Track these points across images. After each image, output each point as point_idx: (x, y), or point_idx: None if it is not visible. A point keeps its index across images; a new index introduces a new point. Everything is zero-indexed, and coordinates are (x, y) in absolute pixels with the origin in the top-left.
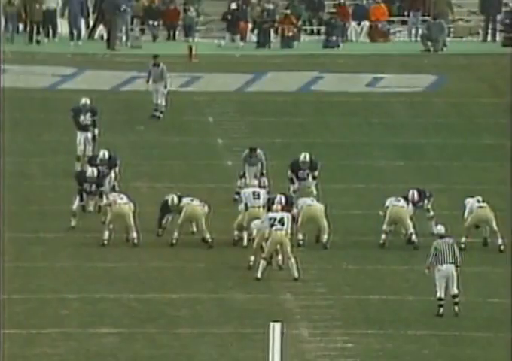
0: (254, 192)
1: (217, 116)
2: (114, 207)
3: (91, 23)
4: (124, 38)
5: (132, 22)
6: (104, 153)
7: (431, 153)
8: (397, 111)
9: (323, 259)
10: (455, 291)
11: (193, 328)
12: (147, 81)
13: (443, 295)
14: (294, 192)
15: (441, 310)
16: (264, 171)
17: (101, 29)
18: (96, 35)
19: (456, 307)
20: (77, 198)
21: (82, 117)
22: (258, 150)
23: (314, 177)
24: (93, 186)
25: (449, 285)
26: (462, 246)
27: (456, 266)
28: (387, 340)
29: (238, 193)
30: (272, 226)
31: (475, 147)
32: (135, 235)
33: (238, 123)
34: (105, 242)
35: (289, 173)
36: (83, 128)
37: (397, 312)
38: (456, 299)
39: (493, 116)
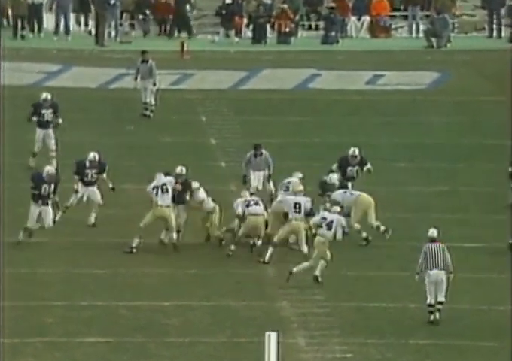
0: (251, 200)
1: (210, 115)
2: (155, 209)
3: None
4: (113, 33)
5: (121, 17)
6: (94, 156)
7: (434, 154)
8: (398, 110)
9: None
10: (441, 298)
11: (184, 337)
12: (135, 79)
13: (433, 302)
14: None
15: (432, 317)
16: (271, 172)
17: (90, 24)
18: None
19: (438, 314)
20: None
21: (43, 112)
22: (264, 151)
23: (369, 171)
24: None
25: (437, 291)
26: None
27: (449, 272)
28: (387, 349)
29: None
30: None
31: (480, 147)
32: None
33: (232, 122)
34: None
35: (334, 166)
36: (44, 124)
37: (397, 320)
38: (440, 306)
39: (499, 114)
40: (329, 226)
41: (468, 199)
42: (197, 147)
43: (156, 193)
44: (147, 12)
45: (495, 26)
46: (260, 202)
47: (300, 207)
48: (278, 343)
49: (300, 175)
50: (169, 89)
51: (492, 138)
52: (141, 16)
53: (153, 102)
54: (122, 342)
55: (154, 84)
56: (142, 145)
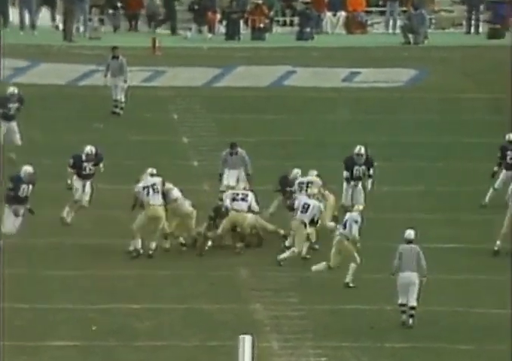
0: (238, 194)
1: (182, 113)
2: (148, 209)
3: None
4: (82, 29)
5: (90, 12)
6: (91, 149)
7: (411, 153)
8: (375, 108)
9: (295, 266)
10: (413, 303)
11: (155, 340)
12: (105, 75)
13: (405, 302)
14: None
15: (404, 316)
16: (250, 172)
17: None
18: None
19: (411, 320)
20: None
21: (10, 106)
22: (240, 149)
23: (370, 176)
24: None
25: (408, 294)
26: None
27: (422, 276)
28: (363, 353)
29: (221, 199)
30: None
31: (458, 145)
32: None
33: (205, 120)
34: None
35: (344, 173)
36: (10, 117)
37: (373, 323)
38: (412, 312)
39: (478, 112)
40: (344, 225)
41: (446, 199)
42: (169, 145)
43: (147, 193)
44: (118, 7)
45: (473, 22)
46: (247, 197)
47: (307, 209)
48: (253, 346)
49: (315, 173)
50: (140, 86)
51: (471, 136)
52: (111, 11)
53: (123, 99)
54: (91, 346)
55: (125, 81)
56: (112, 143)
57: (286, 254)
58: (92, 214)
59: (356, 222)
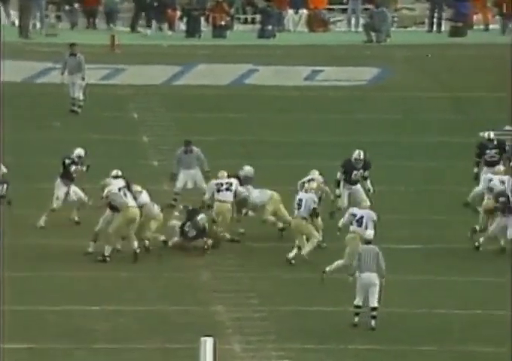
0: (222, 184)
1: (142, 111)
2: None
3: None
4: (38, 25)
5: (47, 8)
6: (82, 151)
7: (373, 152)
8: (337, 107)
9: (256, 267)
10: (374, 304)
11: (114, 343)
12: (62, 73)
13: (360, 303)
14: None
15: (356, 319)
16: (208, 169)
17: (13, 15)
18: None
19: (373, 322)
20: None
21: None
22: (196, 148)
23: (365, 178)
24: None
25: (369, 295)
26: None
27: (381, 277)
28: (326, 355)
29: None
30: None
31: (420, 144)
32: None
33: (165, 119)
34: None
35: (339, 175)
36: None
37: (336, 324)
38: (374, 313)
39: (439, 111)
40: (359, 222)
41: (408, 199)
42: (128, 144)
43: (125, 195)
44: (75, 3)
45: (435, 20)
46: (232, 187)
47: (300, 204)
48: (215, 349)
49: (317, 172)
50: (99, 84)
51: (433, 135)
52: (68, 8)
53: (81, 98)
54: (46, 349)
55: (83, 79)
56: (70, 142)
57: (308, 247)
58: (50, 214)
59: (373, 220)
